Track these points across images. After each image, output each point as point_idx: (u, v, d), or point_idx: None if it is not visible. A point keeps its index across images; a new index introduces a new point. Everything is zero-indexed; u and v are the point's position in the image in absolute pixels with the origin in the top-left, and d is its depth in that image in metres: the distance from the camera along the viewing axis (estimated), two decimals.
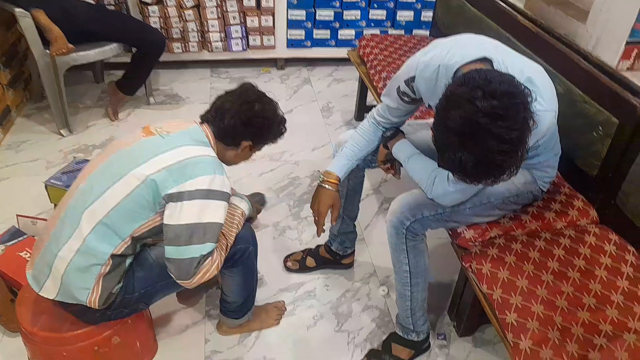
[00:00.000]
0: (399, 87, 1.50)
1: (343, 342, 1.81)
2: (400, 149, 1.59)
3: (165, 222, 1.32)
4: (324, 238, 2.02)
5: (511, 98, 1.09)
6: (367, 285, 2.04)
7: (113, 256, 1.34)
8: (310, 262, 2.06)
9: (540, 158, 1.53)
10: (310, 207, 1.68)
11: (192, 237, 1.31)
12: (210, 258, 1.35)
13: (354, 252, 2.07)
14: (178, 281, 1.36)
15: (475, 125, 1.09)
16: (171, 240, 1.32)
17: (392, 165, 1.72)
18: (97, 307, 1.37)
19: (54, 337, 1.45)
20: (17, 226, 1.96)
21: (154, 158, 1.33)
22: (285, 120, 1.57)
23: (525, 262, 1.45)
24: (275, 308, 1.89)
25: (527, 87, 1.14)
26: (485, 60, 1.29)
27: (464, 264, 1.54)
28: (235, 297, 1.68)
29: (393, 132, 1.63)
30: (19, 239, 1.84)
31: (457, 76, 1.21)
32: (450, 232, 1.63)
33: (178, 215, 1.30)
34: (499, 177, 1.15)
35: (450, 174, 1.41)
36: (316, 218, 1.67)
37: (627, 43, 1.69)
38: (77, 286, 1.34)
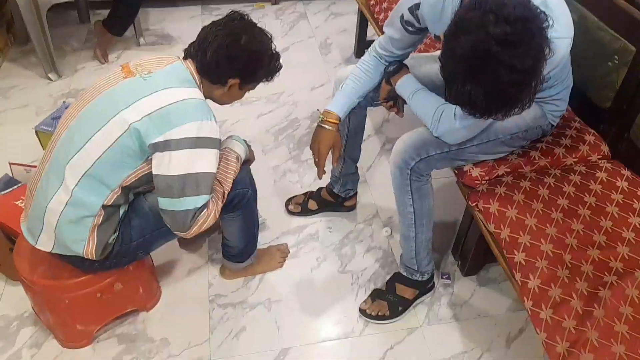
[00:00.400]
0: (402, 15, 1.40)
1: (347, 283, 1.81)
2: (404, 85, 1.50)
3: (154, 172, 1.24)
4: (325, 180, 1.97)
5: (526, 23, 1.01)
6: (370, 226, 2.02)
7: (104, 207, 1.29)
8: (312, 204, 2.03)
9: (551, 91, 1.45)
10: (310, 148, 1.62)
11: (184, 189, 1.24)
12: (206, 210, 1.29)
13: (356, 194, 2.03)
14: (175, 232, 1.32)
15: (486, 53, 1.01)
16: (163, 191, 1.25)
17: (395, 102, 1.64)
18: (94, 258, 1.34)
19: (55, 285, 1.43)
20: (10, 174, 1.91)
21: (135, 103, 1.22)
22: (278, 55, 1.42)
23: (534, 200, 1.41)
24: (279, 251, 1.87)
25: (543, 11, 1.05)
26: None
27: (470, 203, 1.49)
28: (237, 241, 1.65)
29: (396, 67, 1.54)
30: (14, 187, 1.80)
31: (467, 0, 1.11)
32: (455, 171, 1.57)
33: (167, 165, 1.22)
34: (511, 110, 1.08)
35: (458, 109, 1.34)
36: (316, 160, 1.61)
37: None
38: (71, 239, 1.30)
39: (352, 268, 1.86)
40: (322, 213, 2.04)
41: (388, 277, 1.77)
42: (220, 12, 3.37)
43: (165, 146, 1.22)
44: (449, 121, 1.36)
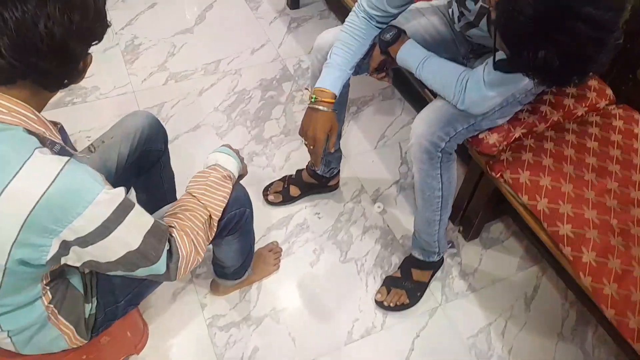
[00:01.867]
0: None
1: (353, 272, 1.65)
2: (408, 54, 1.30)
3: (79, 265, 0.90)
4: (303, 161, 1.76)
5: None
6: (359, 204, 1.85)
7: (48, 306, 0.98)
8: (294, 190, 1.81)
9: None
10: (301, 134, 1.39)
11: (133, 264, 0.92)
12: (180, 255, 0.98)
13: (339, 171, 1.84)
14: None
15: (563, 8, 0.83)
16: (109, 269, 0.92)
17: (386, 71, 1.45)
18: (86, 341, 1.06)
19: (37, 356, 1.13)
20: None
21: None
22: None
23: (564, 163, 1.31)
24: (270, 252, 1.65)
25: None
26: None
27: (493, 174, 1.37)
28: (234, 262, 1.41)
29: (394, 34, 1.32)
30: None
31: None
32: (469, 140, 1.42)
33: (94, 255, 0.86)
34: (587, 74, 0.92)
35: (486, 75, 1.17)
36: (311, 147, 1.38)
37: None
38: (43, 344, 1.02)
39: (354, 255, 1.70)
40: (305, 197, 1.83)
41: (395, 259, 1.66)
42: None
43: (75, 243, 0.82)
44: (478, 90, 1.19)
